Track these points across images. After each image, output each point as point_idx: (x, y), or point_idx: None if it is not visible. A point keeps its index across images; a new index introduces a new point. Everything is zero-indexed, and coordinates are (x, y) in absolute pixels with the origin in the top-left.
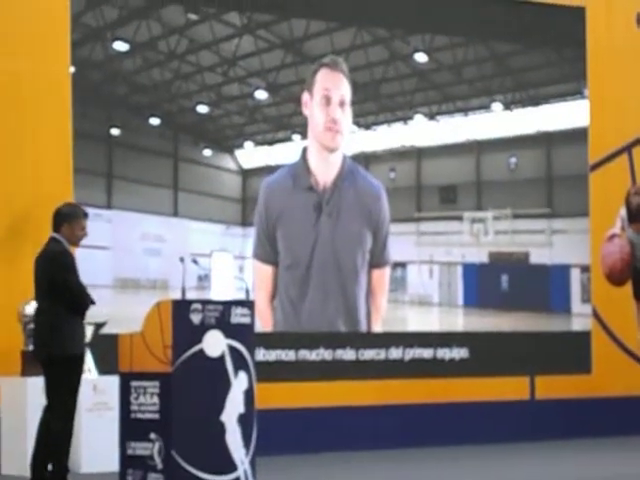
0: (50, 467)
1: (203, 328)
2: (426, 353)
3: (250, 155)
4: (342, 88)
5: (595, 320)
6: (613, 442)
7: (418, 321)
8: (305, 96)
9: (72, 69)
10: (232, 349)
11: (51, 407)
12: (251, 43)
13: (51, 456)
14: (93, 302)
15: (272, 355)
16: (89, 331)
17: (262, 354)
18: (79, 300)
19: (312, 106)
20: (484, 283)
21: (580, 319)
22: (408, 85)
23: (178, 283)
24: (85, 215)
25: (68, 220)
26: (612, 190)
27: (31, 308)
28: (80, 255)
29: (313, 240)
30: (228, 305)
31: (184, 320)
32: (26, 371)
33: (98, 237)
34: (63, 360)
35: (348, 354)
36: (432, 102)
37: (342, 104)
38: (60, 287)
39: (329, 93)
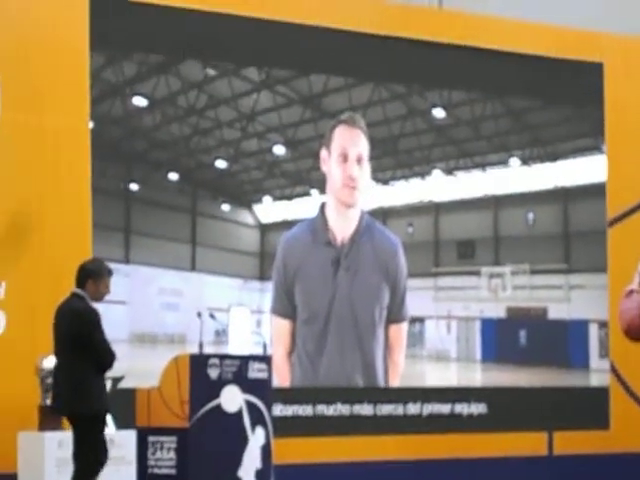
0: None
1: (220, 383)
2: (444, 408)
3: (268, 210)
4: (360, 145)
5: (613, 375)
6: None
7: (436, 376)
8: (323, 153)
9: (91, 124)
10: (249, 404)
11: (75, 465)
12: (269, 98)
13: None
14: (114, 358)
15: (289, 410)
16: (107, 385)
17: (279, 409)
18: (104, 358)
19: (330, 163)
20: (502, 338)
21: (598, 374)
22: (426, 140)
23: (195, 338)
24: (110, 273)
25: (93, 277)
26: (630, 246)
27: (49, 362)
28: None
29: (331, 295)
30: (245, 360)
31: (201, 375)
32: (43, 426)
33: (116, 292)
34: (88, 418)
35: (366, 409)
36: (450, 157)
37: (360, 161)
38: (86, 344)
39: (347, 150)
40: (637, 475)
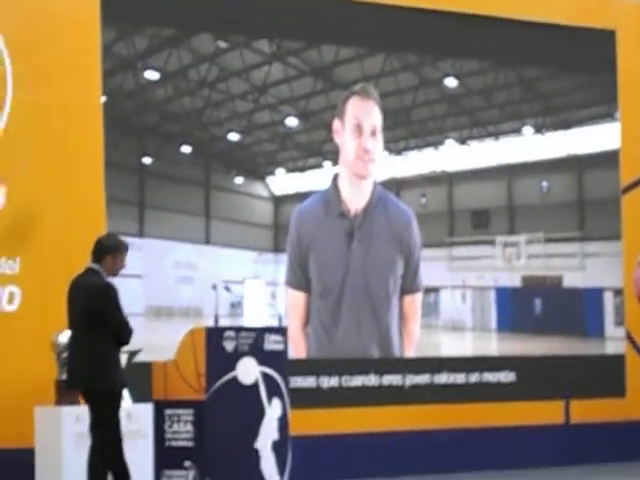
0: None
1: (236, 355)
2: (459, 378)
3: (281, 182)
4: (373, 116)
5: (629, 343)
6: None
7: (451, 346)
8: (336, 124)
9: (103, 99)
10: (265, 376)
11: (93, 439)
12: (281, 70)
13: None
14: (132, 333)
15: (306, 382)
16: (123, 360)
17: (295, 381)
18: (122, 333)
19: (343, 134)
20: (517, 307)
21: (614, 342)
22: (438, 110)
23: (211, 311)
24: (126, 248)
25: (112, 253)
26: None
27: (65, 337)
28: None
29: (344, 267)
30: (261, 332)
31: (217, 347)
32: (60, 400)
33: (131, 265)
34: (106, 394)
35: (381, 380)
36: (463, 127)
37: (374, 133)
38: (104, 320)
39: (361, 123)
40: None
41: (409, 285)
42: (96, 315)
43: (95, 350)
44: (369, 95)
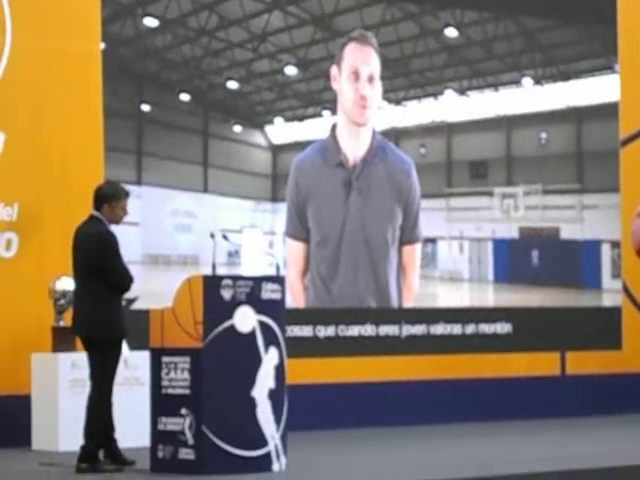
0: (82, 443)
1: (234, 304)
2: (456, 329)
3: (280, 131)
4: (371, 63)
5: (625, 296)
6: None
7: (448, 297)
8: (334, 70)
9: (102, 46)
10: (263, 325)
11: (92, 386)
12: (281, 19)
13: (85, 431)
14: (132, 281)
15: (303, 331)
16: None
17: (293, 330)
18: (122, 281)
19: (341, 81)
20: (514, 259)
21: (610, 294)
22: (438, 60)
23: (208, 259)
24: (126, 195)
25: (109, 200)
26: None
27: (62, 284)
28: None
29: (343, 217)
30: (259, 281)
31: (215, 296)
32: (57, 347)
33: (128, 213)
34: (103, 343)
35: (379, 330)
36: (462, 77)
37: (371, 79)
38: (104, 268)
39: (358, 69)
40: None
41: (408, 235)
42: (95, 263)
43: (94, 298)
44: (367, 41)
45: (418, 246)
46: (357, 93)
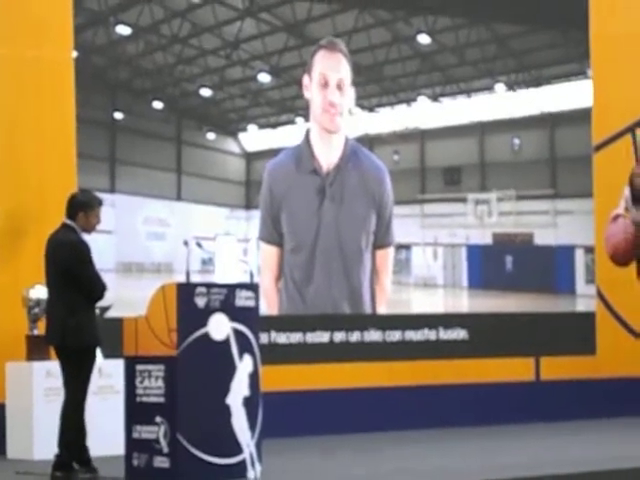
0: (57, 451)
1: (208, 311)
2: (430, 335)
3: (254, 138)
4: (341, 70)
5: (599, 301)
6: (617, 423)
7: (423, 303)
8: (305, 79)
9: (75, 54)
10: (237, 332)
11: (66, 394)
12: (253, 26)
13: (59, 440)
14: (106, 289)
15: (278, 338)
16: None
17: (267, 337)
18: (95, 290)
19: (311, 89)
20: (488, 264)
21: (584, 300)
22: (411, 67)
23: (182, 267)
24: (100, 203)
25: (84, 209)
26: (616, 171)
27: (36, 292)
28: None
29: (316, 224)
30: (233, 288)
31: (189, 303)
32: (31, 355)
33: (102, 221)
34: (76, 351)
35: (353, 336)
36: (435, 84)
37: (340, 86)
38: (78, 277)
39: (327, 76)
40: (623, 400)
41: (381, 240)
42: (68, 272)
43: (68, 306)
44: (335, 48)
45: (391, 250)
46: (325, 100)
